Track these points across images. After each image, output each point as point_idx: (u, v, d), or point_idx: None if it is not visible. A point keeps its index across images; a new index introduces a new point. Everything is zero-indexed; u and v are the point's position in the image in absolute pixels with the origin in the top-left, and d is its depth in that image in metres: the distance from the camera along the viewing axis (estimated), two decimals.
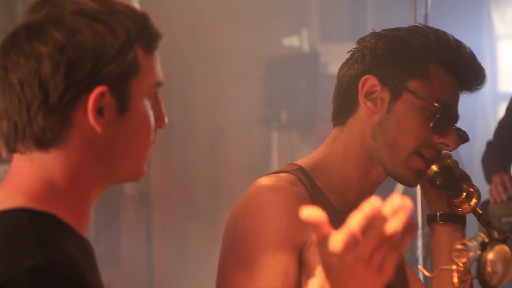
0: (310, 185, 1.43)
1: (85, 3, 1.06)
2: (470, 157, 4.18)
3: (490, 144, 3.24)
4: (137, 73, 1.08)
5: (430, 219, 1.52)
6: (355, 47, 1.49)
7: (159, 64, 1.13)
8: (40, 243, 0.98)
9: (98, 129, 1.05)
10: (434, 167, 1.43)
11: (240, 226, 1.38)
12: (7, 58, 1.05)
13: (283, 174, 1.42)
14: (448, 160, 1.46)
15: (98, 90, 1.03)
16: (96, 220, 3.88)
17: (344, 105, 1.48)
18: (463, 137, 1.48)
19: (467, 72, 1.47)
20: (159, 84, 1.12)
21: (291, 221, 1.36)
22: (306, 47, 4.69)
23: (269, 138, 4.45)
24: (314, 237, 1.28)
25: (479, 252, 1.17)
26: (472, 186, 1.47)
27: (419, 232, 2.67)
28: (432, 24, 2.76)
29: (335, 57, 4.73)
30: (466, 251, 1.18)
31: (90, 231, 3.91)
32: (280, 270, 1.35)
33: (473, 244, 1.18)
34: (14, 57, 1.04)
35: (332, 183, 1.46)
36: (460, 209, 1.46)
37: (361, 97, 1.44)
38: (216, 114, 4.46)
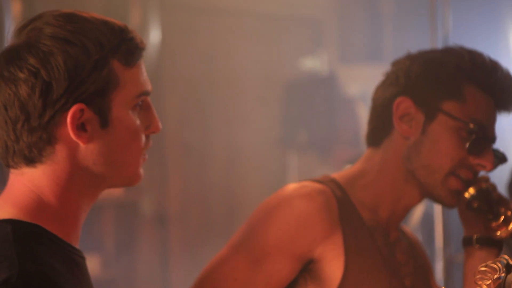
0: (342, 197, 1.43)
1: (61, 25, 1.13)
2: (503, 180, 4.14)
3: None
4: (116, 87, 1.13)
5: (465, 242, 1.50)
6: (390, 68, 1.49)
7: (144, 74, 1.18)
8: (18, 255, 1.04)
9: (81, 143, 1.12)
10: (471, 190, 1.42)
11: (258, 219, 1.41)
12: None
13: (315, 184, 1.42)
14: (487, 184, 1.44)
15: (75, 107, 1.11)
16: (113, 242, 3.88)
17: (379, 127, 1.47)
18: (500, 158, 1.46)
19: (503, 92, 1.46)
20: (143, 93, 1.17)
21: (302, 231, 1.38)
22: (323, 69, 4.69)
23: (286, 161, 4.44)
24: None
25: (503, 274, 1.15)
26: (511, 209, 1.44)
27: (439, 255, 2.64)
28: None
29: (353, 79, 4.75)
30: (490, 273, 1.16)
31: (108, 252, 3.90)
32: (267, 268, 1.37)
33: (497, 266, 1.16)
34: None
35: (365, 200, 1.45)
36: (497, 233, 1.44)
37: (395, 119, 1.44)
38: (233, 136, 4.46)
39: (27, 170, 1.13)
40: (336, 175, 1.50)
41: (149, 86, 1.19)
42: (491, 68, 1.47)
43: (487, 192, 1.44)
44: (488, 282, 1.15)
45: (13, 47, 1.13)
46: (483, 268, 1.16)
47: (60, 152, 1.12)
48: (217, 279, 1.39)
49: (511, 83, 1.48)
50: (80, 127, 1.12)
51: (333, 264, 1.38)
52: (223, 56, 4.43)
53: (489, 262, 1.17)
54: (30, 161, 1.12)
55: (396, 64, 1.50)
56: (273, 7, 4.58)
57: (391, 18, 4.87)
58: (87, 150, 1.13)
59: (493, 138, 1.47)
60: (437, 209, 2.69)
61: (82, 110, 1.11)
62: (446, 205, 1.48)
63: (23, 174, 1.13)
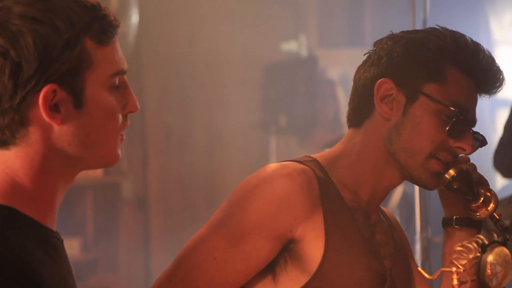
0: (323, 177, 1.43)
1: (30, 3, 1.09)
2: (483, 163, 4.17)
3: (502, 140, 3.11)
4: (89, 66, 1.10)
5: (445, 223, 1.51)
6: (372, 49, 1.49)
7: (119, 52, 1.15)
8: None
9: (55, 124, 1.09)
10: (451, 171, 1.42)
11: (238, 198, 1.40)
12: None
13: (296, 164, 1.42)
14: (466, 165, 1.46)
15: (46, 88, 1.07)
16: (94, 224, 3.88)
17: (360, 108, 1.47)
18: (480, 141, 1.47)
19: (485, 75, 1.45)
20: (119, 72, 1.14)
21: (282, 210, 1.37)
22: (304, 52, 4.69)
23: (267, 143, 4.45)
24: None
25: (479, 254, 1.17)
26: (490, 190, 1.45)
27: (418, 236, 2.66)
28: None
29: (333, 62, 4.76)
30: (466, 253, 1.17)
31: (88, 235, 3.90)
32: (246, 248, 1.36)
33: (473, 246, 1.18)
34: None
35: (346, 181, 1.45)
36: (477, 214, 1.45)
37: (376, 100, 1.44)
38: (214, 118, 4.46)
39: (0, 152, 1.10)
40: (317, 155, 1.50)
41: (124, 65, 1.16)
42: (474, 50, 1.46)
43: (467, 173, 1.45)
44: (463, 262, 1.17)
45: None
46: (459, 248, 1.18)
47: (33, 133, 1.09)
48: (196, 259, 1.38)
49: (492, 65, 1.47)
50: (53, 108, 1.09)
51: (313, 244, 1.38)
52: (203, 38, 4.42)
53: (464, 242, 1.18)
54: (3, 143, 1.10)
55: (378, 44, 1.49)
56: None
57: (370, 1, 4.88)
58: (62, 131, 1.10)
59: (473, 121, 1.47)
60: (416, 190, 2.70)
61: (54, 91, 1.08)
62: (426, 187, 1.49)
63: None
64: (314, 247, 1.37)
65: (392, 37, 1.47)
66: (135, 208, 4.20)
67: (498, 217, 1.43)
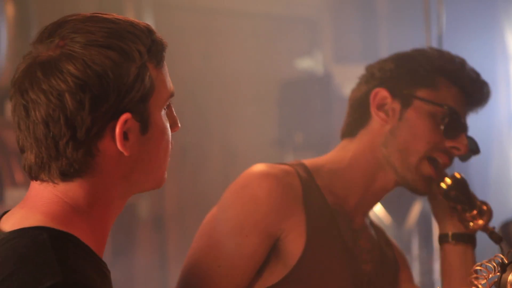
0: (307, 180, 1.46)
1: (93, 31, 1.04)
2: (485, 181, 4.15)
3: None
4: (153, 91, 1.08)
5: (441, 239, 1.53)
6: (363, 73, 1.57)
7: (168, 73, 1.14)
8: (59, 262, 0.99)
9: (125, 153, 1.06)
10: (448, 180, 1.47)
11: (227, 200, 1.43)
12: (26, 97, 1.04)
13: (280, 165, 1.47)
14: (461, 175, 1.49)
15: (123, 117, 1.04)
16: (111, 245, 3.88)
17: (355, 119, 1.54)
18: (473, 146, 1.52)
19: (472, 86, 1.53)
20: (172, 94, 1.14)
21: (272, 207, 1.41)
22: (319, 69, 4.69)
23: (283, 160, 4.44)
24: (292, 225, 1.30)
25: (498, 274, 1.16)
26: (486, 204, 1.49)
27: (435, 254, 2.64)
28: (446, 45, 2.76)
29: (348, 78, 4.74)
30: (486, 272, 1.16)
31: (105, 255, 3.89)
32: (248, 250, 1.39)
33: (492, 265, 1.16)
34: (33, 95, 1.03)
35: (332, 186, 1.50)
36: (471, 224, 1.48)
37: (373, 109, 1.51)
38: (229, 137, 4.46)
39: (62, 183, 1.06)
40: (306, 160, 1.55)
41: (173, 86, 1.14)
42: (459, 63, 1.55)
43: (463, 182, 1.50)
44: (483, 282, 1.16)
45: (46, 58, 1.03)
46: (478, 268, 1.17)
47: (100, 164, 1.05)
48: (201, 270, 1.40)
49: (478, 77, 1.55)
50: (124, 137, 1.05)
51: (294, 242, 1.42)
52: (218, 56, 4.43)
53: (484, 261, 1.18)
54: (68, 176, 1.05)
55: (368, 67, 1.58)
56: (268, 7, 4.58)
57: (385, 17, 4.88)
58: (128, 159, 1.06)
59: (466, 125, 1.52)
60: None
61: (127, 120, 1.04)
62: (418, 190, 1.54)
63: (56, 186, 1.06)
64: (295, 244, 1.41)
65: (381, 59, 1.57)
66: (152, 228, 4.20)
67: (492, 229, 1.45)
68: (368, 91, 1.54)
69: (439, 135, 1.49)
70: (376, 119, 1.52)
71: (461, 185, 1.50)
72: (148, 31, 1.09)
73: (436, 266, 2.57)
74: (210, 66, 4.42)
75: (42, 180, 1.07)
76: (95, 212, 1.07)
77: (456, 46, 2.71)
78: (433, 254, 2.59)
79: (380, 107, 1.52)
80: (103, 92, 1.02)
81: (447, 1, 2.92)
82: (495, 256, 1.20)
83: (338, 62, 4.83)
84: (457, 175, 1.51)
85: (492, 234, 1.47)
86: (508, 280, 1.14)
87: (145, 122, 1.07)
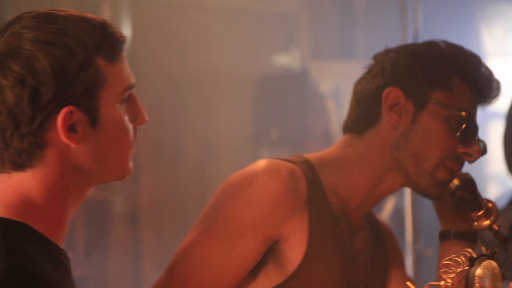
0: (312, 179, 1.42)
1: (41, 27, 1.09)
2: (483, 179, 4.18)
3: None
4: (102, 85, 1.11)
5: (443, 236, 1.51)
6: (372, 62, 1.49)
7: (127, 67, 1.16)
8: (7, 251, 1.02)
9: (72, 145, 1.10)
10: (455, 181, 1.44)
11: (227, 196, 1.38)
12: None
13: (287, 163, 1.41)
14: (470, 176, 1.46)
15: (65, 110, 1.08)
16: (84, 240, 3.86)
17: (365, 116, 1.47)
18: (483, 148, 1.49)
19: (486, 85, 1.48)
20: (129, 87, 1.16)
21: (274, 210, 1.36)
22: (296, 65, 4.70)
23: (259, 156, 4.44)
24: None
25: (467, 268, 1.16)
26: (491, 202, 1.47)
27: (409, 249, 2.65)
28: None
29: (325, 75, 4.76)
30: (454, 266, 1.16)
31: (79, 251, 3.88)
32: (242, 252, 1.35)
33: (461, 259, 1.17)
34: None
35: (337, 186, 1.45)
36: (475, 223, 1.45)
37: (385, 109, 1.45)
38: (206, 132, 4.45)
39: (15, 173, 1.11)
40: (311, 156, 1.48)
41: (133, 79, 1.17)
42: (476, 62, 1.49)
43: (471, 182, 1.47)
44: (452, 275, 1.16)
45: None
46: (447, 262, 1.17)
47: (50, 155, 1.10)
48: (191, 266, 1.36)
49: (492, 75, 1.49)
50: (71, 129, 1.10)
51: (295, 247, 1.38)
52: (195, 51, 4.42)
53: (452, 256, 1.18)
54: (19, 166, 1.10)
55: (379, 57, 1.50)
56: (246, 2, 4.57)
57: (362, 14, 4.89)
58: (78, 151, 1.11)
59: (478, 128, 1.49)
60: (408, 204, 2.70)
61: (71, 112, 1.09)
62: (431, 195, 1.49)
63: (11, 177, 1.11)
64: (295, 250, 1.37)
65: (393, 50, 1.49)
66: (126, 223, 4.18)
67: (497, 229, 1.43)
68: (379, 88, 1.46)
69: (453, 140, 1.44)
70: (388, 120, 1.46)
71: (469, 185, 1.46)
72: (101, 26, 1.13)
73: (408, 261, 2.59)
74: (187, 62, 4.41)
75: (0, 172, 1.11)
76: (51, 201, 1.11)
77: None
78: (406, 249, 2.60)
79: (393, 106, 1.45)
80: (41, 86, 1.07)
81: None
82: (464, 250, 1.21)
83: (315, 58, 4.83)
84: (466, 176, 1.47)
85: (497, 233, 1.45)
86: (476, 274, 1.15)
87: (93, 115, 1.11)
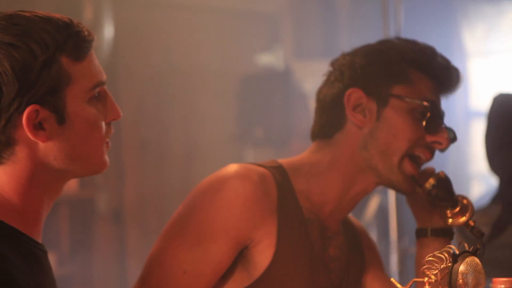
0: (284, 185, 1.42)
1: (4, 28, 1.12)
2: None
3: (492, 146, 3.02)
4: (68, 83, 1.14)
5: (419, 234, 1.52)
6: (330, 69, 1.50)
7: (96, 65, 1.18)
8: None
9: (40, 142, 1.12)
10: (431, 180, 1.45)
11: (198, 201, 1.38)
12: None
13: (258, 168, 1.42)
14: (445, 174, 1.47)
15: (29, 109, 1.11)
16: (69, 239, 3.85)
17: (330, 122, 1.48)
18: (452, 136, 1.50)
19: (445, 73, 1.49)
20: (97, 85, 1.18)
21: (245, 215, 1.36)
22: (279, 64, 4.71)
23: (243, 154, 4.45)
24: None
25: (450, 264, 1.18)
26: (466, 198, 1.48)
27: (393, 247, 2.67)
28: None
29: (308, 74, 4.77)
30: (437, 263, 1.18)
31: (63, 250, 3.87)
32: (215, 257, 1.35)
33: (444, 256, 1.18)
34: None
35: (310, 191, 1.45)
36: (449, 221, 1.47)
37: (348, 111, 1.45)
38: (190, 131, 4.46)
39: None
40: (284, 161, 1.48)
41: (103, 76, 1.19)
42: (430, 52, 1.50)
43: (447, 181, 1.48)
44: (435, 272, 1.18)
45: None
46: (430, 258, 1.19)
47: (20, 152, 1.13)
48: (165, 274, 1.35)
49: (449, 64, 1.51)
50: (38, 126, 1.12)
51: (263, 252, 1.38)
52: (178, 51, 4.42)
53: (436, 252, 1.19)
54: None
55: (335, 62, 1.52)
56: (229, 2, 4.58)
57: (345, 13, 4.91)
58: (47, 147, 1.13)
59: (443, 116, 1.50)
60: (392, 202, 2.72)
61: (37, 111, 1.12)
62: (403, 191, 1.50)
63: None
64: (263, 255, 1.37)
65: (348, 53, 1.51)
66: (111, 222, 4.17)
67: (473, 224, 1.45)
68: (340, 91, 1.47)
69: (420, 131, 1.46)
70: (353, 121, 1.47)
71: (444, 184, 1.47)
72: (66, 26, 1.15)
73: (393, 259, 2.61)
74: (171, 61, 4.41)
75: None
76: (23, 196, 1.14)
77: None
78: (390, 247, 2.62)
79: (356, 107, 1.46)
80: (4, 85, 1.10)
81: None
82: (447, 247, 1.22)
83: (298, 57, 4.85)
84: (441, 174, 1.50)
85: (473, 229, 1.46)
86: (459, 271, 1.16)
87: (60, 112, 1.13)
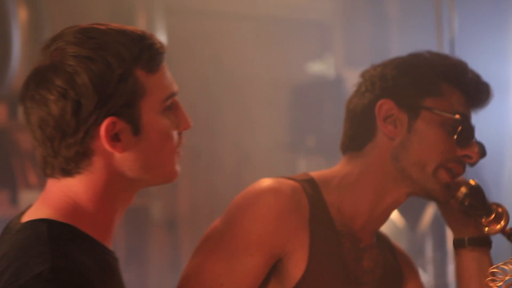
0: (315, 198, 1.43)
1: (82, 42, 1.15)
2: (498, 183, 4.15)
3: None
4: (143, 95, 1.16)
5: (457, 244, 1.51)
6: (360, 79, 1.51)
7: (168, 76, 1.21)
8: (52, 251, 1.08)
9: (116, 153, 1.15)
10: (463, 189, 1.45)
11: (233, 216, 1.40)
12: (25, 104, 1.17)
13: (289, 181, 1.43)
14: (476, 182, 1.47)
15: (107, 121, 1.14)
16: (124, 247, 3.89)
17: (360, 133, 1.49)
18: (482, 150, 1.49)
19: (476, 88, 1.50)
20: (170, 96, 1.21)
21: (279, 228, 1.38)
22: (330, 72, 4.70)
23: (295, 164, 4.45)
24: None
25: None
26: (501, 206, 1.47)
27: (449, 257, 2.64)
28: (458, 49, 2.76)
29: None
30: (501, 275, 1.17)
31: (119, 257, 3.91)
32: (251, 270, 1.36)
33: (508, 267, 1.17)
34: (29, 103, 1.17)
35: (342, 203, 1.46)
36: (486, 229, 1.47)
37: (379, 122, 1.46)
38: (241, 140, 4.47)
39: (64, 179, 1.17)
40: (316, 173, 1.50)
41: (175, 87, 1.22)
42: (461, 66, 1.51)
43: (479, 189, 1.48)
44: (499, 284, 1.16)
45: (40, 69, 1.16)
46: (495, 270, 1.17)
47: (96, 162, 1.16)
48: (201, 287, 1.37)
49: (479, 79, 1.51)
50: (114, 138, 1.15)
51: (296, 264, 1.39)
52: (230, 60, 4.44)
53: (500, 264, 1.18)
54: (67, 172, 1.16)
55: (366, 73, 1.53)
56: (280, 10, 4.59)
57: (397, 21, 4.88)
58: (123, 158, 1.16)
59: (474, 130, 1.50)
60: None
61: (114, 123, 1.14)
62: (439, 199, 1.50)
63: (60, 181, 1.17)
64: (296, 267, 1.38)
65: (379, 65, 1.53)
66: (165, 231, 4.21)
67: (510, 231, 1.44)
68: (371, 102, 1.48)
69: (451, 145, 1.46)
70: (384, 132, 1.47)
71: (476, 192, 1.48)
72: (140, 39, 1.17)
73: (450, 269, 2.57)
74: (222, 70, 4.43)
75: (50, 176, 1.18)
76: (97, 205, 1.17)
77: (468, 50, 2.71)
78: (447, 257, 2.58)
79: (387, 118, 1.47)
80: (83, 99, 1.13)
81: (459, 4, 2.92)
82: (511, 259, 1.21)
83: (349, 65, 4.83)
84: (472, 183, 1.48)
85: (510, 236, 1.46)
86: None
87: (136, 124, 1.16)
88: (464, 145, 1.47)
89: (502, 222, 1.47)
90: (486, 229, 1.47)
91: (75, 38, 1.15)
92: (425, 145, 1.46)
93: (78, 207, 1.16)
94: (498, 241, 1.56)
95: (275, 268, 1.40)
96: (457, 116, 1.45)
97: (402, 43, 4.76)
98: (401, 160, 1.46)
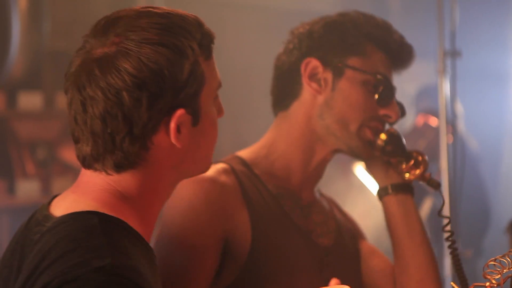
0: (245, 173, 1.45)
1: (146, 27, 1.06)
2: (495, 176, 4.14)
3: None
4: (204, 84, 1.11)
5: (382, 193, 1.56)
6: (289, 37, 1.54)
7: (215, 63, 1.16)
8: (108, 245, 1.02)
9: (178, 145, 1.09)
10: (383, 136, 1.50)
11: (168, 219, 1.40)
12: (83, 93, 1.07)
13: (215, 165, 1.45)
14: (395, 130, 1.52)
15: (178, 113, 1.07)
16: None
17: (287, 91, 1.53)
18: (402, 110, 1.54)
19: (399, 49, 1.53)
20: (220, 84, 1.17)
21: (213, 213, 1.39)
22: None
23: None
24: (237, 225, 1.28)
25: None
26: (422, 154, 1.51)
27: (448, 250, 2.64)
28: (459, 40, 2.75)
29: None
30: (500, 267, 1.16)
31: None
32: (199, 262, 1.37)
33: (507, 261, 1.16)
34: (91, 92, 1.06)
35: (273, 168, 1.49)
36: (407, 174, 1.51)
37: (305, 80, 1.50)
38: (240, 131, 4.47)
39: (115, 173, 1.10)
40: (241, 151, 1.54)
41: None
42: (385, 27, 1.53)
43: (398, 136, 1.52)
44: (497, 277, 1.16)
45: (103, 56, 1.06)
46: (493, 263, 1.17)
47: (153, 156, 1.09)
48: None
49: (403, 40, 1.54)
50: (177, 130, 1.09)
51: (241, 239, 1.40)
52: (231, 51, 4.43)
53: (498, 257, 1.17)
54: (122, 167, 1.09)
55: (294, 31, 1.55)
56: (282, 2, 4.58)
57: (398, 14, 4.87)
58: (179, 150, 1.10)
59: (395, 91, 1.53)
60: (445, 205, 2.68)
61: (183, 115, 1.09)
62: (362, 156, 1.54)
63: (109, 175, 1.10)
64: (242, 241, 1.42)
65: (306, 23, 1.55)
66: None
67: (429, 176, 1.48)
68: (297, 60, 1.51)
69: (373, 104, 1.49)
70: (309, 90, 1.50)
71: (395, 139, 1.51)
72: (198, 24, 1.12)
73: (447, 262, 2.57)
74: (222, 61, 4.41)
75: (95, 170, 1.10)
76: (145, 200, 1.10)
77: (469, 42, 2.70)
78: (444, 250, 2.58)
79: (312, 77, 1.50)
80: (159, 90, 1.05)
81: None
82: (509, 251, 1.20)
83: None
84: (392, 130, 1.52)
85: (430, 181, 1.50)
86: None
87: (196, 115, 1.10)
88: (385, 104, 1.50)
89: (421, 167, 1.50)
90: (407, 175, 1.51)
91: (137, 23, 1.07)
92: (348, 103, 1.48)
93: (126, 201, 1.09)
94: (496, 238, 1.56)
95: (225, 250, 1.41)
96: (379, 76, 1.46)
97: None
98: (325, 118, 1.50)
